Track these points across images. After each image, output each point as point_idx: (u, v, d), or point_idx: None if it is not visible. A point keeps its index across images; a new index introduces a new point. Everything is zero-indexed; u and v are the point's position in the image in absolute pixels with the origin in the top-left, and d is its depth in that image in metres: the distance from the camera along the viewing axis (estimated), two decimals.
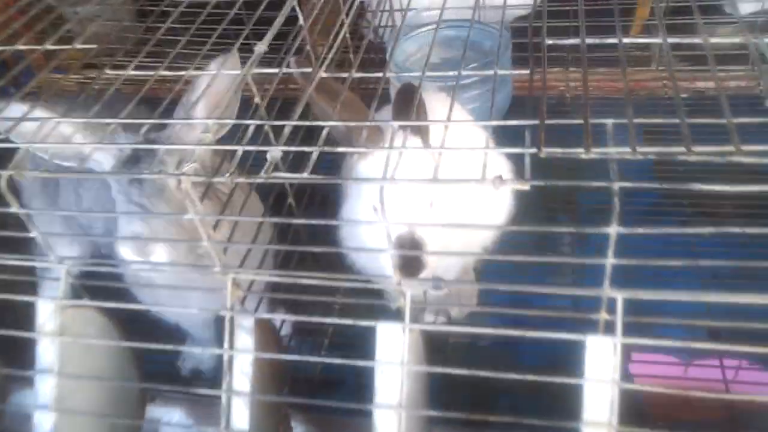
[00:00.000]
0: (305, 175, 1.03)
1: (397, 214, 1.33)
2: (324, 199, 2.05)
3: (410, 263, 1.26)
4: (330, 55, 1.34)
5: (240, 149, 1.09)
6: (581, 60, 1.14)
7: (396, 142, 1.33)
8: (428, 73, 1.24)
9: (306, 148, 1.07)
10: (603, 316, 1.08)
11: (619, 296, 1.05)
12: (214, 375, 1.82)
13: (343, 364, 1.13)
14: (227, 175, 1.06)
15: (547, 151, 0.96)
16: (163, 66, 1.35)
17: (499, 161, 1.60)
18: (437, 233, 1.36)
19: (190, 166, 1.08)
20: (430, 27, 2.41)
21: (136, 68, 1.38)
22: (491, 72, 1.23)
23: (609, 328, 1.07)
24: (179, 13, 1.64)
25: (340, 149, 1.17)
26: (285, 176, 1.04)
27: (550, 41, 1.19)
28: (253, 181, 1.05)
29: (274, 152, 1.06)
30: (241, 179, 1.06)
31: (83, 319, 1.30)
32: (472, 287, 1.93)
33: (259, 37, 1.30)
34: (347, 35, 1.85)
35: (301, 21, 1.58)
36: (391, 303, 1.34)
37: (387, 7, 2.50)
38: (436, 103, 1.43)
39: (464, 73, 1.27)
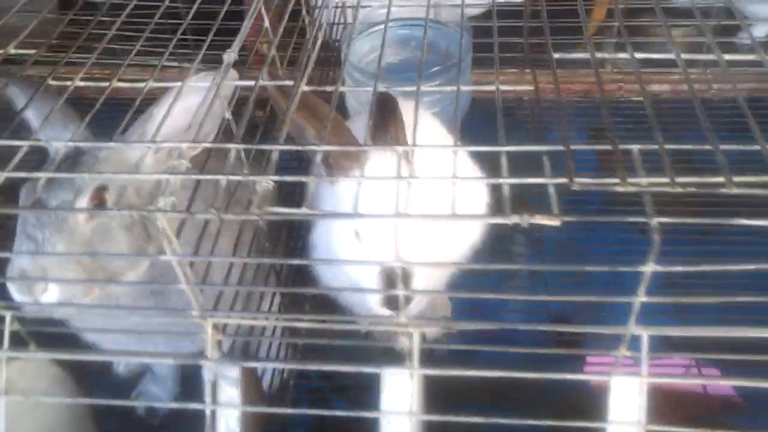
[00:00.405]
0: (304, 210, 0.91)
1: (382, 240, 1.24)
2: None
3: (392, 287, 1.16)
4: (309, 67, 1.21)
5: (223, 179, 0.95)
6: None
7: (376, 159, 1.25)
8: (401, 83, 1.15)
9: (302, 178, 0.95)
10: (623, 352, 1.01)
11: (645, 333, 0.98)
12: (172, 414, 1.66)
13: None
14: (213, 211, 0.92)
15: (579, 182, 0.88)
16: (89, 62, 1.21)
17: (467, 166, 1.49)
18: (423, 256, 1.27)
19: (167, 200, 0.93)
20: (382, 26, 2.29)
21: (66, 65, 1.22)
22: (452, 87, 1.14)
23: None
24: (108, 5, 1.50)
25: (336, 177, 1.04)
26: (282, 212, 0.91)
27: (557, 55, 1.11)
28: (244, 218, 0.91)
29: (264, 184, 0.94)
30: (229, 216, 0.92)
31: (33, 372, 1.13)
32: (444, 299, 1.85)
33: (199, 32, 1.17)
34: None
35: (266, 23, 1.43)
36: (384, 343, 1.22)
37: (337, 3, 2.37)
38: (405, 112, 1.33)
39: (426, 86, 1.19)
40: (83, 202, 1.21)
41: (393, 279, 1.17)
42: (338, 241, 1.32)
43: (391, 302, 1.19)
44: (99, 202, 1.22)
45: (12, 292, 1.17)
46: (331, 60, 2.32)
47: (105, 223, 1.23)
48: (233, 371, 1.06)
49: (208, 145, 1.08)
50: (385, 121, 1.27)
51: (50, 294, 1.17)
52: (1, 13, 1.39)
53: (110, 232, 1.23)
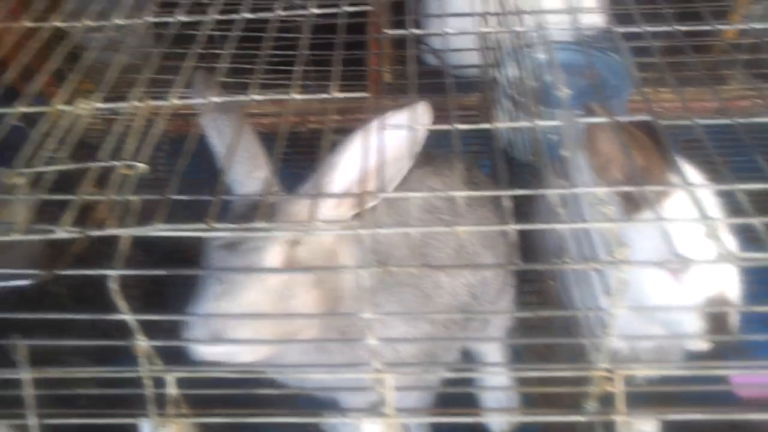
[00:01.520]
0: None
1: (704, 280, 1.19)
2: None
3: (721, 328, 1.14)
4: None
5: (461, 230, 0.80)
6: None
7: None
8: None
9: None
10: None
11: None
12: None
13: None
14: None
15: None
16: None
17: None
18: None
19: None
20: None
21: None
22: None
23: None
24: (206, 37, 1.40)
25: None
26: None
27: None
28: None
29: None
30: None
31: None
32: None
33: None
34: None
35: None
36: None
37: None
38: None
39: None
40: (274, 253, 1.12)
41: (722, 321, 1.14)
42: (646, 282, 1.22)
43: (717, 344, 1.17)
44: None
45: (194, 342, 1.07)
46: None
47: (292, 279, 1.12)
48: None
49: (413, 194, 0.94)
50: (662, 150, 1.13)
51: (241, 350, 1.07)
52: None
53: (297, 287, 1.12)
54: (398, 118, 1.07)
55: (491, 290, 1.58)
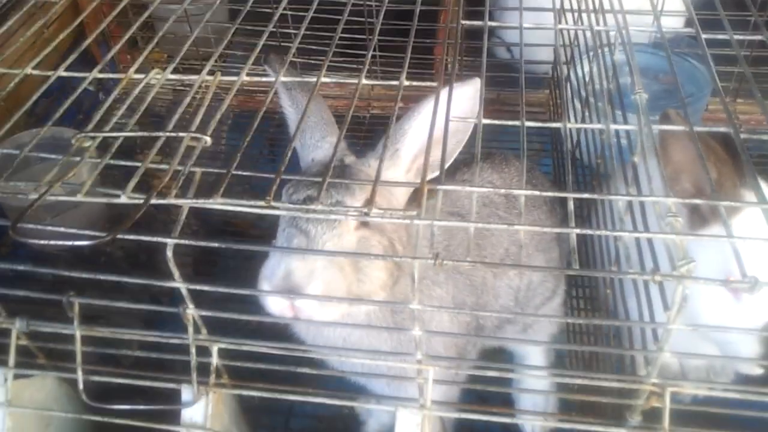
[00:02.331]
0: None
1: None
2: None
3: None
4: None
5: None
6: None
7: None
8: None
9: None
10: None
11: None
12: None
13: None
14: None
15: None
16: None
17: None
18: None
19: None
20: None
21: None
22: None
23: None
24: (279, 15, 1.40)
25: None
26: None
27: None
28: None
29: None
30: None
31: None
32: None
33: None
34: None
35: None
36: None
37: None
38: None
39: None
40: (356, 204, 1.14)
41: None
42: (703, 299, 1.19)
43: None
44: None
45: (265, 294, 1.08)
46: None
47: (367, 239, 1.15)
48: None
49: None
50: (737, 164, 1.10)
51: (312, 305, 1.06)
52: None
53: (370, 250, 1.14)
54: (458, 92, 1.09)
55: (537, 297, 1.56)
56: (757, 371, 1.17)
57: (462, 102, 1.13)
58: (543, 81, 2.54)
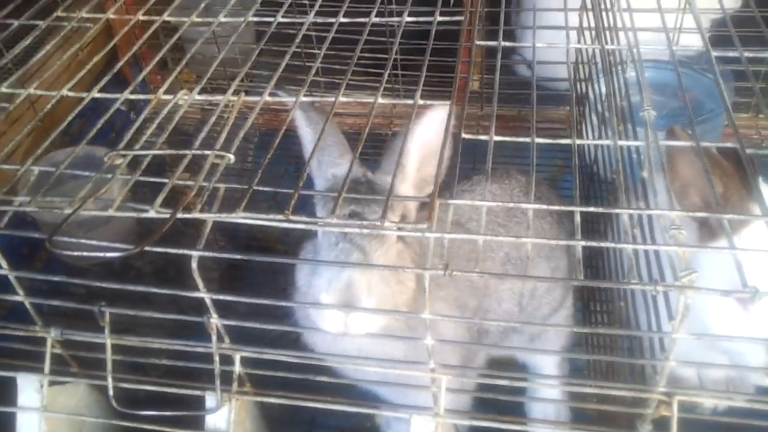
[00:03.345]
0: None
1: None
2: None
3: None
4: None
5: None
6: None
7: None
8: None
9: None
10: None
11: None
12: None
13: None
14: None
15: None
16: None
17: None
18: None
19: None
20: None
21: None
22: None
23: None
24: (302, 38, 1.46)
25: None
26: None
27: None
28: None
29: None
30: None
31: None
32: None
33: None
34: None
35: None
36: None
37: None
38: None
39: None
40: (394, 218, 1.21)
41: None
42: (713, 310, 1.20)
43: None
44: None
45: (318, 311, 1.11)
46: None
47: (402, 252, 1.22)
48: None
49: None
50: (745, 179, 1.12)
51: (366, 317, 1.10)
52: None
53: (404, 261, 1.22)
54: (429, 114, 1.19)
55: (544, 307, 1.58)
56: (767, 382, 1.17)
57: (433, 124, 1.22)
58: (564, 98, 2.57)
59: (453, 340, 1.32)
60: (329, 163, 1.33)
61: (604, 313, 1.68)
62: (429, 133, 1.24)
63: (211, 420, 1.10)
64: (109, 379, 1.08)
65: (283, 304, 1.01)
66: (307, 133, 1.36)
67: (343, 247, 1.14)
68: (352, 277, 1.09)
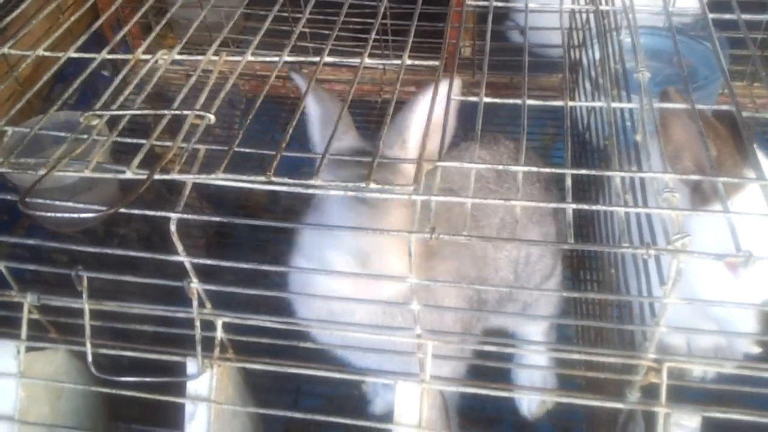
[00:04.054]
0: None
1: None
2: None
3: None
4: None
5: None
6: None
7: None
8: None
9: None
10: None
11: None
12: None
13: None
14: None
15: None
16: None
17: None
18: None
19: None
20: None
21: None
22: None
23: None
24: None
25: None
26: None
27: None
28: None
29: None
30: None
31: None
32: None
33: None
34: None
35: None
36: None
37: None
38: None
39: None
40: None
41: None
42: (702, 276, 1.19)
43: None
44: None
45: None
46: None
47: (407, 215, 1.18)
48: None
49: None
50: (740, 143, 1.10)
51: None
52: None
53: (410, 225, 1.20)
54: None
55: (536, 274, 1.58)
56: (756, 349, 1.16)
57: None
58: (558, 65, 2.53)
59: (451, 318, 1.31)
60: (337, 138, 1.32)
61: (594, 282, 1.67)
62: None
63: (192, 386, 1.08)
64: (88, 345, 1.06)
65: (266, 268, 0.98)
66: (314, 109, 1.36)
67: (355, 207, 1.15)
68: (363, 239, 1.11)
